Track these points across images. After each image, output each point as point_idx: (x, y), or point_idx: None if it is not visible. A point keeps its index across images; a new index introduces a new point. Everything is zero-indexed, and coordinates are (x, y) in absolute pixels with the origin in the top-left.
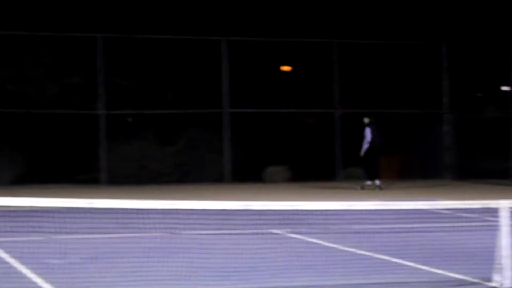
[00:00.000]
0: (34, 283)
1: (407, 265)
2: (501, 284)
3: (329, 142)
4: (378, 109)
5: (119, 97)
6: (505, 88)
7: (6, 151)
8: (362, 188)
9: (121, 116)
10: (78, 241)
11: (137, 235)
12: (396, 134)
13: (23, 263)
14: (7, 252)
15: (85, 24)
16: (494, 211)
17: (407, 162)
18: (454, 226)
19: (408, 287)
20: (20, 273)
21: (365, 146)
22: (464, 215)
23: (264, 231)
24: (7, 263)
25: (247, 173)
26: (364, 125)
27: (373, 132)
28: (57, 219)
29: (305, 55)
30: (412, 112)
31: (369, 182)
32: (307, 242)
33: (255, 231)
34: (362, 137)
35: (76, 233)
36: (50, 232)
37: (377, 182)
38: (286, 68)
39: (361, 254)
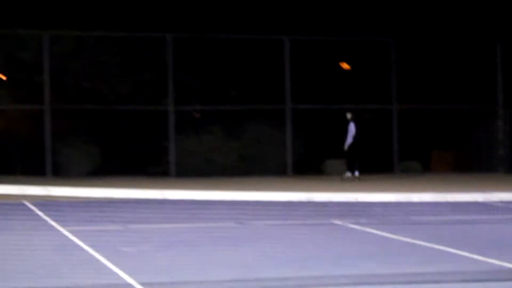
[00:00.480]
0: (108, 269)
1: (462, 255)
2: None
3: (387, 136)
4: (434, 105)
5: (187, 94)
6: None
7: (84, 145)
8: (342, 179)
9: (189, 112)
10: (150, 230)
11: (206, 225)
12: (452, 129)
13: (97, 250)
14: (83, 240)
15: (155, 25)
16: None
17: (462, 155)
18: (508, 218)
19: (464, 276)
20: (95, 260)
21: (349, 140)
22: None
23: (326, 221)
24: (83, 250)
25: (308, 166)
26: (348, 120)
27: (355, 127)
28: (131, 209)
29: (363, 53)
30: (467, 107)
31: (349, 174)
32: (367, 232)
33: (318, 221)
34: (346, 131)
35: (149, 222)
36: (124, 222)
37: (356, 173)
38: (345, 65)
39: (418, 245)
